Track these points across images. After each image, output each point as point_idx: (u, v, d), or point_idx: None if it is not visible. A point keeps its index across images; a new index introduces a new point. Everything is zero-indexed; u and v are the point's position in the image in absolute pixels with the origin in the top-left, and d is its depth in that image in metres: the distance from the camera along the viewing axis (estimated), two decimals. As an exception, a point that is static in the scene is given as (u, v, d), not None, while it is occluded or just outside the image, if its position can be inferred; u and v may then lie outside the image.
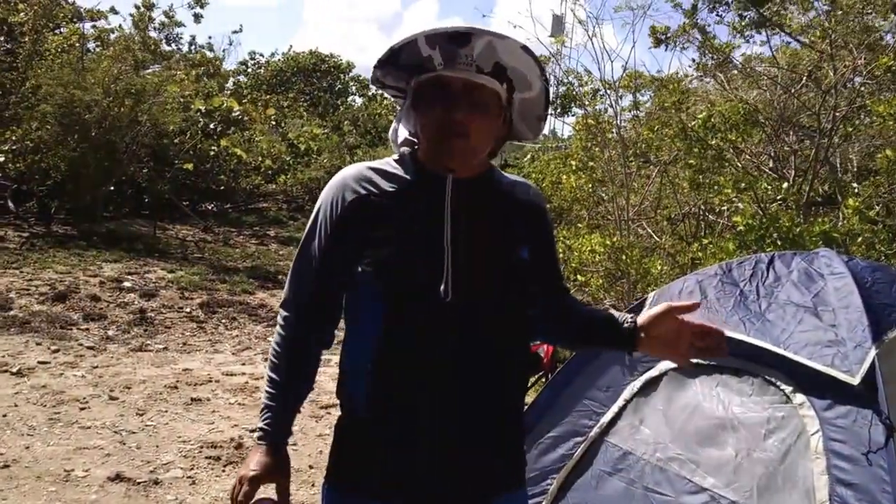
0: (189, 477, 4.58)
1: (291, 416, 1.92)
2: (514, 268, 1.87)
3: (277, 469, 1.84)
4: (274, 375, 1.88)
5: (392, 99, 1.98)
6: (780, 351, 2.72)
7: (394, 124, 1.95)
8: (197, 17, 18.26)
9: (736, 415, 2.82)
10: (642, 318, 2.01)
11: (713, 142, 6.33)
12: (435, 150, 1.80)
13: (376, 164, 1.89)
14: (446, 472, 1.80)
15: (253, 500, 1.79)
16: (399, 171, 1.86)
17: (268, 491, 1.82)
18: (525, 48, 1.78)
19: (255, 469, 1.80)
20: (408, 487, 1.80)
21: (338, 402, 1.93)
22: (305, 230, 1.89)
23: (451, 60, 1.75)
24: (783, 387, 2.72)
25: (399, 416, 1.79)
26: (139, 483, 4.43)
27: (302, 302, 1.87)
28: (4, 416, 5.23)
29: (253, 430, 1.79)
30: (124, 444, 4.97)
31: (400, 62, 1.81)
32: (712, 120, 6.28)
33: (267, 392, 1.88)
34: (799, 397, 2.67)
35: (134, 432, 5.18)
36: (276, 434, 1.87)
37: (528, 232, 1.94)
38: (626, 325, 2.01)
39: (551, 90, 2.09)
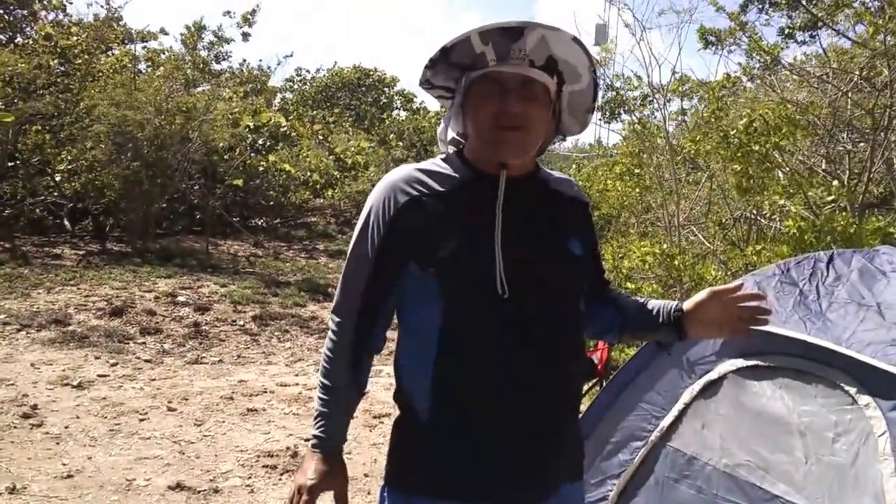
0: (247, 485, 4.63)
1: (346, 423, 1.92)
2: (568, 263, 1.88)
3: (335, 476, 1.85)
4: (327, 382, 1.88)
5: (438, 100, 1.98)
6: (844, 350, 2.65)
7: (442, 124, 1.96)
8: (245, 36, 18.50)
9: (802, 418, 2.75)
10: (688, 304, 2.02)
11: (756, 147, 6.24)
12: (489, 145, 1.81)
13: (423, 165, 1.90)
14: (509, 469, 1.80)
15: None
16: (448, 171, 1.87)
17: (326, 498, 1.83)
18: (576, 40, 1.79)
19: (313, 477, 1.81)
20: (471, 486, 1.80)
21: (391, 411, 1.93)
22: (355, 235, 1.89)
23: (504, 55, 1.76)
24: (847, 388, 2.65)
25: (461, 415, 1.79)
26: (199, 492, 4.49)
27: (354, 307, 1.87)
28: (67, 427, 5.34)
29: (307, 439, 1.80)
30: (183, 453, 5.05)
31: (451, 60, 1.82)
32: (754, 125, 6.19)
33: (320, 399, 1.89)
34: (864, 398, 2.60)
35: (192, 442, 5.26)
36: (332, 441, 1.88)
37: (577, 227, 1.95)
38: (673, 311, 2.02)
39: (600, 95, 2.11)
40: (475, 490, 1.80)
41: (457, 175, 1.86)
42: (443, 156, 1.93)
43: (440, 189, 1.83)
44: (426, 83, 1.90)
